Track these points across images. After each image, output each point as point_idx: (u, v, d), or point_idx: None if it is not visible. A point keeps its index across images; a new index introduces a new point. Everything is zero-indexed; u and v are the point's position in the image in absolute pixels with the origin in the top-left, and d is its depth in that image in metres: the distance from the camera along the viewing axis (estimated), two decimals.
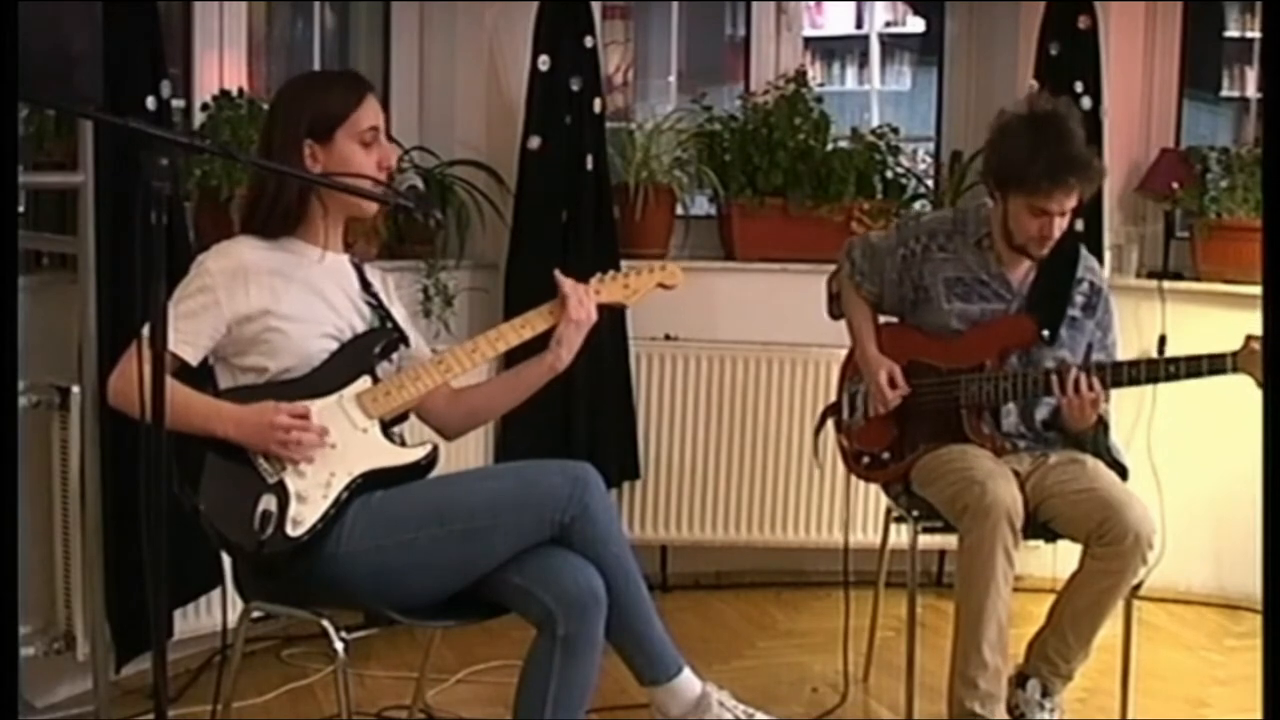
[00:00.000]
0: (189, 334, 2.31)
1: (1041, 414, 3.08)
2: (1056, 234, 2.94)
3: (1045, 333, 3.01)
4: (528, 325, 2.50)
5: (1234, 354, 2.79)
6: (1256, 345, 2.74)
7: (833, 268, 3.34)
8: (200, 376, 2.37)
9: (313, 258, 2.43)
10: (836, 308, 3.30)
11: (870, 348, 3.14)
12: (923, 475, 3.04)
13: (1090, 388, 2.86)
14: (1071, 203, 2.91)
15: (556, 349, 2.51)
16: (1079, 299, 3.07)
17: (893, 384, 3.08)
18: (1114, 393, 3.07)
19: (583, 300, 2.49)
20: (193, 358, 2.32)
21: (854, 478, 3.29)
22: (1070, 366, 2.91)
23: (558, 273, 2.53)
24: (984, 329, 3.04)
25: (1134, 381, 2.93)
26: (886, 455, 3.15)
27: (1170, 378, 2.88)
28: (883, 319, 3.23)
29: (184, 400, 2.26)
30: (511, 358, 2.60)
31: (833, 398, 3.35)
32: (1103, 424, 3.01)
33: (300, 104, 2.43)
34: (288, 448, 2.28)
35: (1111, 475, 2.98)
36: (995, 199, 3.03)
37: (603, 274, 2.59)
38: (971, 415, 3.03)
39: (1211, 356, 2.82)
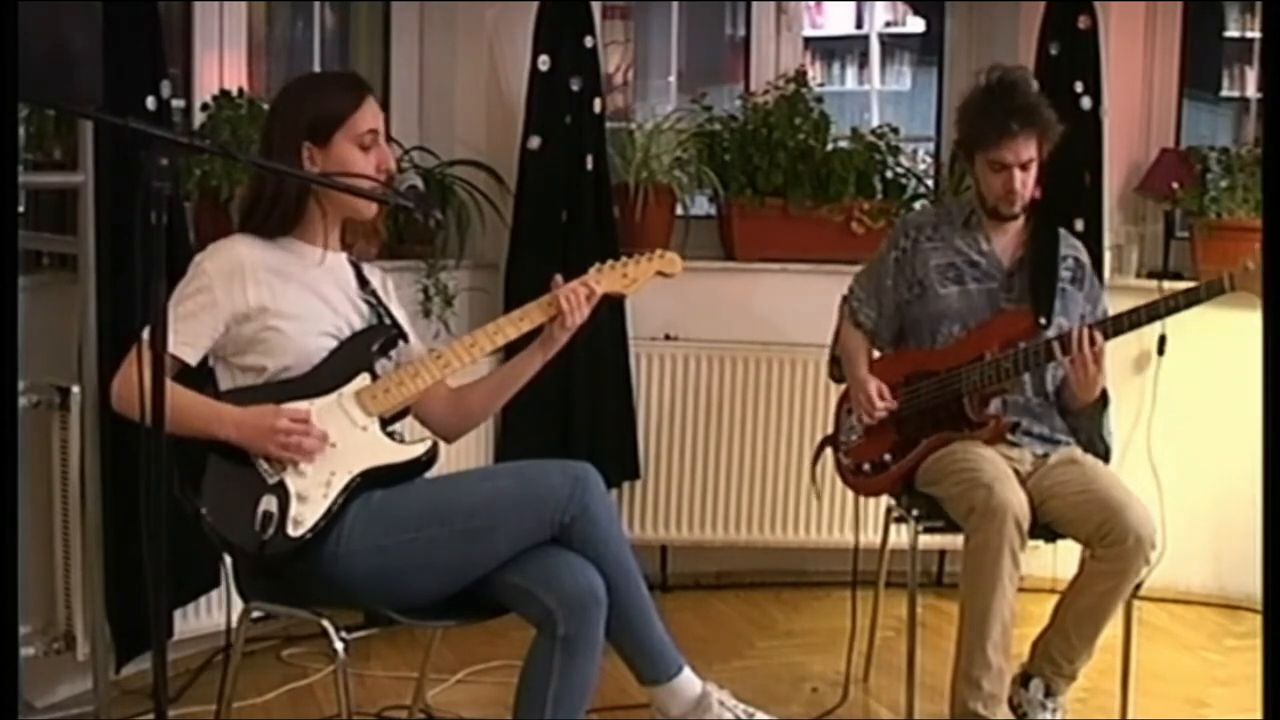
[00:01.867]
0: (188, 335, 2.31)
1: (1052, 382, 3.10)
2: (1020, 189, 3.01)
3: (1042, 320, 3.01)
4: (526, 318, 2.50)
5: (1230, 275, 2.79)
6: (1252, 264, 2.74)
7: (833, 267, 3.35)
8: (200, 377, 2.37)
9: (312, 258, 2.43)
10: (837, 370, 3.31)
11: (861, 369, 3.17)
12: (929, 474, 3.04)
13: (1093, 343, 2.87)
14: (1028, 153, 2.99)
15: (545, 346, 2.53)
16: (1065, 274, 3.11)
17: (881, 395, 3.08)
18: (1113, 393, 3.07)
19: (577, 307, 2.49)
20: (193, 358, 2.33)
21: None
22: (1065, 332, 2.92)
23: (558, 278, 2.53)
24: (982, 329, 3.04)
25: (1136, 324, 2.91)
26: (888, 457, 3.14)
27: (1172, 311, 2.88)
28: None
29: (186, 404, 2.26)
30: (511, 351, 2.60)
31: (832, 398, 3.35)
32: (1105, 398, 3.01)
33: (299, 107, 2.43)
34: (288, 451, 2.28)
35: (1112, 475, 2.98)
36: (970, 173, 3.13)
37: (601, 263, 2.59)
38: (973, 400, 3.03)
39: (1209, 282, 2.83)
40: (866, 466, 3.18)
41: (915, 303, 3.14)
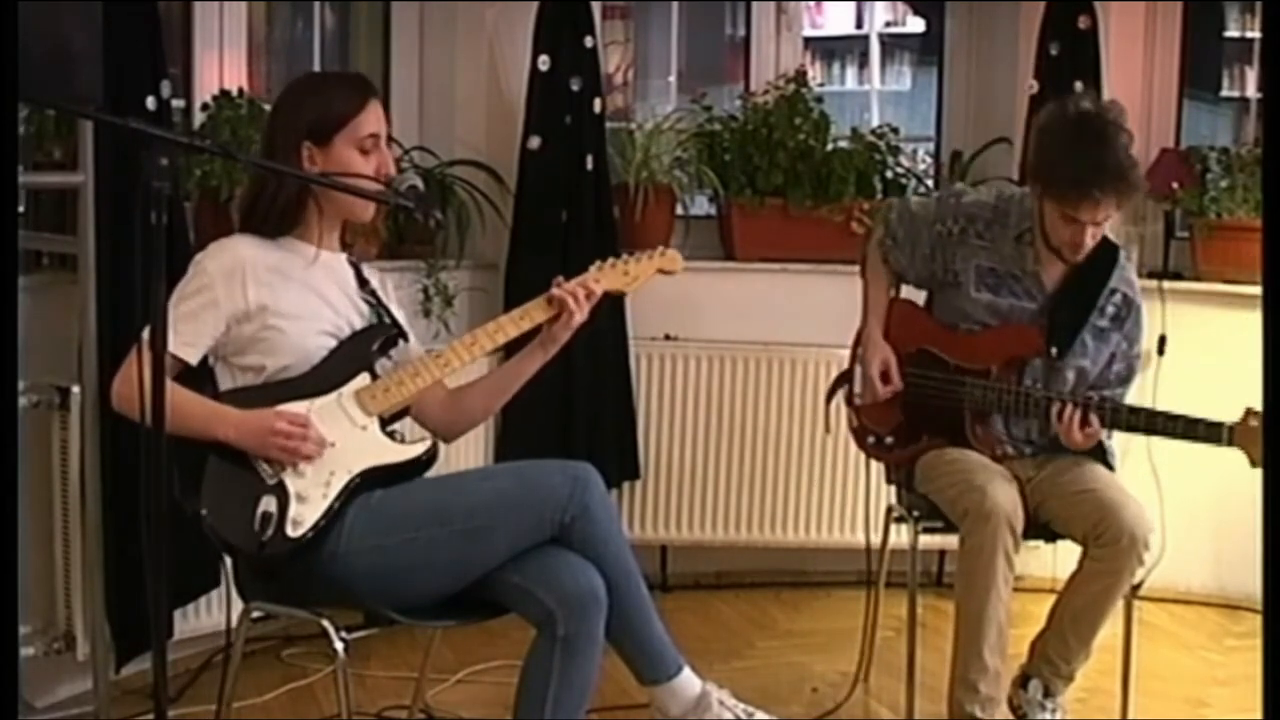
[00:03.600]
0: (189, 335, 2.31)
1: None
2: (1089, 242, 2.87)
3: (1054, 350, 2.97)
4: (527, 317, 2.50)
5: (1231, 427, 2.75)
6: (1254, 421, 2.70)
7: (833, 267, 3.34)
8: (200, 377, 2.37)
9: (308, 256, 2.43)
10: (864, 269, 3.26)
11: (874, 330, 3.13)
12: (925, 474, 3.04)
13: (1084, 425, 2.85)
14: (1105, 214, 2.82)
15: (545, 346, 2.53)
16: (1110, 309, 3.01)
17: (885, 379, 3.07)
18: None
19: (578, 307, 2.49)
20: (193, 358, 2.33)
21: (858, 475, 3.31)
22: (1066, 402, 2.87)
23: (559, 278, 2.53)
24: (994, 334, 3.01)
25: (1133, 428, 2.90)
26: (890, 440, 3.14)
27: (1165, 433, 2.85)
28: (905, 291, 3.22)
29: (185, 405, 2.26)
30: (511, 350, 2.60)
31: (844, 372, 3.33)
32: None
33: (301, 106, 2.42)
34: (287, 454, 2.28)
35: (1110, 476, 2.98)
36: (1034, 199, 2.97)
37: (602, 261, 2.59)
38: (974, 420, 3.02)
39: (1209, 424, 2.78)
40: (872, 438, 3.18)
41: (947, 289, 3.07)
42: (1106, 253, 2.99)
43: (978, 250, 3.02)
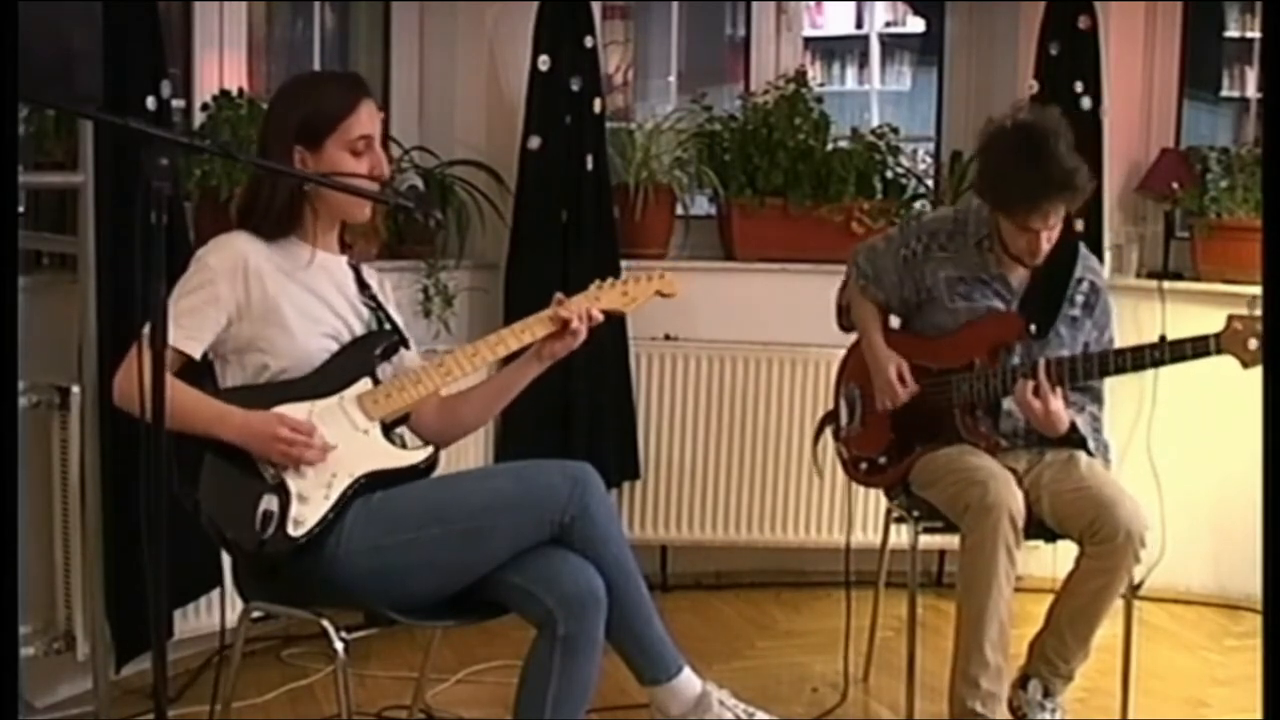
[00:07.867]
0: (192, 329, 2.31)
1: None
2: (1045, 247, 2.92)
3: (1033, 327, 3.00)
4: (528, 331, 2.50)
5: (1217, 335, 2.79)
6: (1239, 325, 2.75)
7: (833, 267, 3.34)
8: (200, 373, 2.37)
9: (305, 258, 2.43)
10: (846, 320, 3.29)
11: (876, 340, 3.14)
12: (923, 476, 3.04)
13: (1037, 390, 2.86)
14: (1055, 220, 2.89)
15: (541, 359, 2.53)
16: (1079, 299, 3.06)
17: (902, 380, 3.07)
18: (1113, 393, 3.07)
19: (579, 329, 2.49)
20: (196, 352, 2.32)
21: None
22: (1036, 367, 2.89)
23: (559, 296, 2.53)
24: (972, 327, 3.04)
25: (1121, 369, 2.92)
26: (884, 460, 3.15)
27: (1156, 363, 2.87)
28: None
29: (189, 403, 2.26)
30: (509, 359, 2.60)
31: (832, 397, 3.35)
32: (1075, 429, 2.99)
33: (291, 108, 2.41)
34: (290, 459, 2.28)
35: (1105, 473, 2.98)
36: (990, 214, 3.01)
37: (601, 281, 2.60)
38: (965, 414, 3.03)
39: (1195, 339, 2.82)
40: (864, 465, 3.19)
41: (923, 307, 3.11)
42: (1067, 245, 3.04)
43: (943, 262, 3.06)
